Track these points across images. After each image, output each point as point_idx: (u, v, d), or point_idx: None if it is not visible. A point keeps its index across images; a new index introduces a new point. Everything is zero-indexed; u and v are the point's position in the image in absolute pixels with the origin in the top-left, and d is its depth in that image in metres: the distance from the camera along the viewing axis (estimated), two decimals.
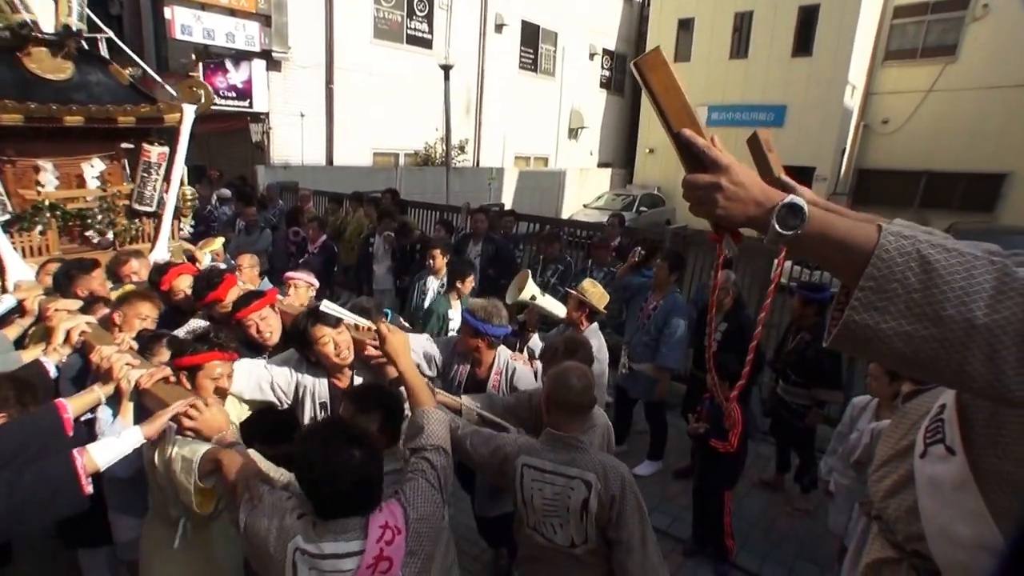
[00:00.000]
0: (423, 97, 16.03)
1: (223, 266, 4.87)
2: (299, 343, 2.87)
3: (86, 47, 4.47)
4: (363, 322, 2.69)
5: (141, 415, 2.49)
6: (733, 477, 4.21)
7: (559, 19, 20.23)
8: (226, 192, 10.34)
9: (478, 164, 18.45)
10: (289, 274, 4.55)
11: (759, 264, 6.68)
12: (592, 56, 22.12)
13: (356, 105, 14.91)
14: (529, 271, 4.69)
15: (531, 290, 4.50)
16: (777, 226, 1.03)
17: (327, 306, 2.63)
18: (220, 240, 5.77)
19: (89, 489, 2.04)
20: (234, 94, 12.41)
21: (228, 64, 12.22)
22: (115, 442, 2.15)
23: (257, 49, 12.42)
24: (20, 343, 3.25)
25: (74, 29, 4.14)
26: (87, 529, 3.01)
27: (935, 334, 0.91)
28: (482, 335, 3.31)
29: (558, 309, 4.51)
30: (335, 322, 2.78)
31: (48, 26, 4.08)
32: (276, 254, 8.23)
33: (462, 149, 17.54)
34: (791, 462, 5.17)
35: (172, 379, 2.52)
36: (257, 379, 2.85)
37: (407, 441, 2.07)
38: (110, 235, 4.63)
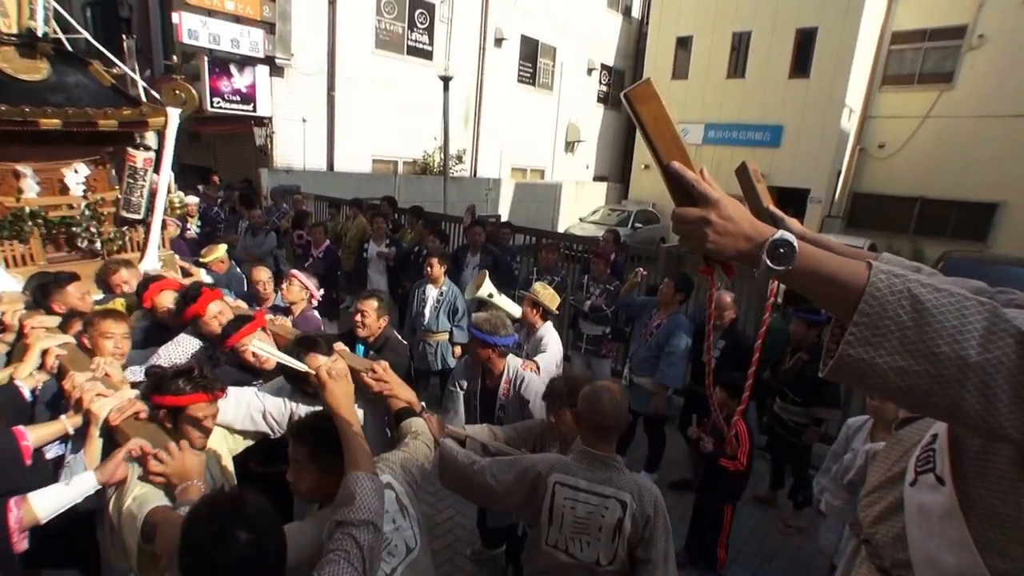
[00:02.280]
0: (422, 106, 16.18)
1: (208, 279, 4.78)
2: (291, 376, 2.70)
3: (68, 47, 4.26)
4: (298, 365, 2.43)
5: (110, 451, 2.21)
6: (738, 491, 4.26)
7: (558, 34, 20.41)
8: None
9: (475, 174, 18.57)
10: (294, 271, 4.63)
11: (757, 281, 6.67)
12: (590, 71, 22.29)
13: (357, 112, 15.06)
14: (487, 271, 4.98)
15: (487, 288, 4.83)
16: (768, 261, 1.04)
17: (257, 346, 2.55)
18: (223, 247, 5.79)
19: (22, 546, 1.85)
20: (238, 98, 12.57)
21: (233, 68, 12.40)
22: (62, 490, 1.94)
23: (261, 55, 12.61)
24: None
25: (39, 33, 3.95)
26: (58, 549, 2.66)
27: (929, 370, 0.92)
28: (492, 346, 3.51)
29: (513, 309, 4.76)
30: (328, 350, 2.66)
31: (12, 28, 3.89)
32: (282, 257, 8.36)
33: (460, 159, 17.65)
34: (785, 479, 5.20)
35: (144, 415, 2.32)
36: (248, 409, 2.68)
37: (334, 510, 1.75)
38: (97, 244, 4.42)
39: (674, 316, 5.22)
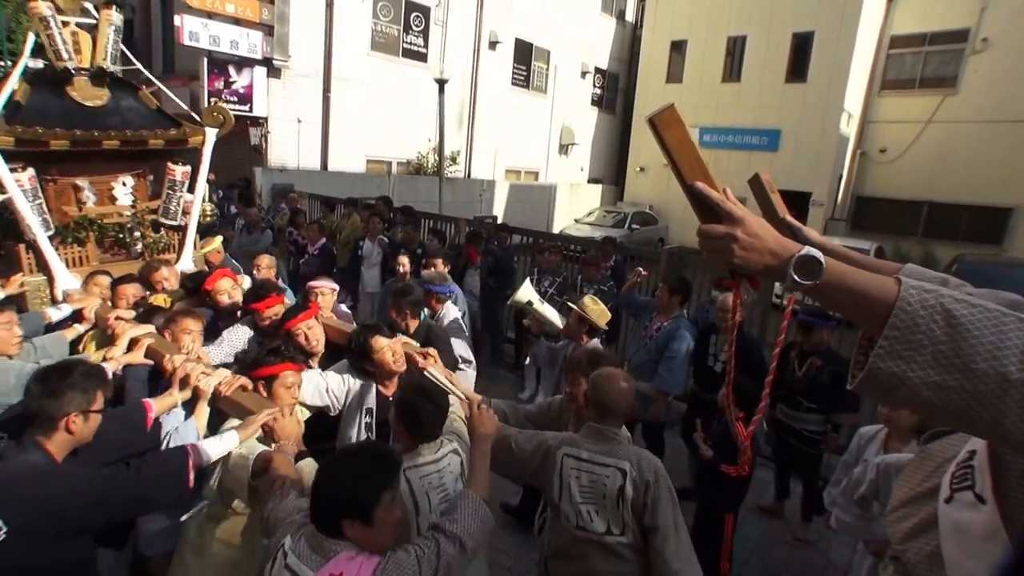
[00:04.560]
0: (416, 108, 16.23)
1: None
2: (358, 356, 3.17)
3: (119, 76, 4.75)
4: (458, 393, 2.84)
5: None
6: (737, 499, 4.08)
7: (552, 38, 20.49)
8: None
9: (469, 175, 18.60)
10: (311, 283, 4.53)
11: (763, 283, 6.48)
12: (584, 74, 22.40)
13: (351, 113, 15.07)
14: (529, 278, 5.01)
15: (528, 294, 4.78)
16: (795, 276, 1.06)
17: (431, 374, 2.95)
18: (219, 239, 5.87)
19: (191, 482, 2.25)
20: (235, 98, 12.63)
21: (231, 70, 12.50)
22: (217, 442, 2.43)
23: (259, 57, 12.70)
24: (73, 347, 3.59)
25: (108, 69, 4.47)
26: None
27: (966, 386, 0.90)
28: (432, 295, 4.65)
29: (555, 318, 4.64)
30: (391, 333, 3.20)
31: (86, 63, 4.42)
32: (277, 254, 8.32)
33: (454, 160, 17.66)
34: (791, 488, 4.99)
35: (249, 387, 2.81)
36: (316, 386, 3.12)
37: (441, 516, 2.09)
38: (139, 247, 4.93)
39: (675, 321, 5.00)
